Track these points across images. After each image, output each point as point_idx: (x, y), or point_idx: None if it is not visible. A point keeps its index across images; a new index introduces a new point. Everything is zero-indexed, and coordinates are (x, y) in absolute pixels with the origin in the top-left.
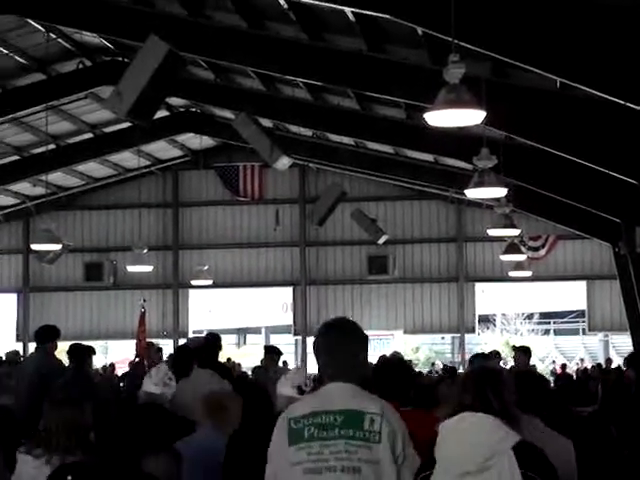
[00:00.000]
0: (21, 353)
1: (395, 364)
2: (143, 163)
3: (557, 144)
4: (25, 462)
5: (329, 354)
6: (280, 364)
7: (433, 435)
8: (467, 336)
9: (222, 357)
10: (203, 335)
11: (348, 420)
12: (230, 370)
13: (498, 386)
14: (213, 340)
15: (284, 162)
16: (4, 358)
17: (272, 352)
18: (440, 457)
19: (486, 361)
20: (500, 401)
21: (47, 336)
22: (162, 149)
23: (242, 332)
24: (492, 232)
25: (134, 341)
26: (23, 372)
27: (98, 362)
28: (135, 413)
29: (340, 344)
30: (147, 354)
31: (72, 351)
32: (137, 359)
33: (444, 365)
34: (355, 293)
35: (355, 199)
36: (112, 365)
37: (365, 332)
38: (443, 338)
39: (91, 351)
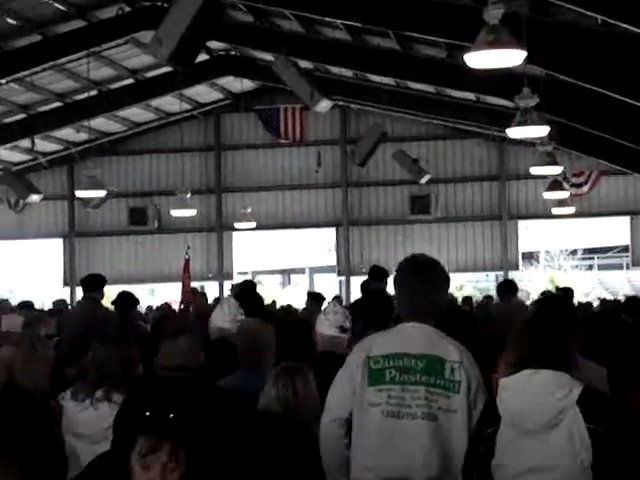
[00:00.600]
0: (68, 299)
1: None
2: (185, 107)
3: (598, 81)
4: (69, 408)
5: (410, 293)
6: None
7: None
8: (510, 273)
9: (267, 299)
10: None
11: (429, 366)
12: (272, 314)
13: (555, 332)
14: (251, 286)
15: (324, 105)
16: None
17: (315, 298)
18: (505, 415)
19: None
20: (560, 348)
21: (93, 285)
22: (203, 93)
23: (286, 273)
24: (535, 170)
25: (179, 284)
26: (69, 321)
27: (145, 304)
28: (210, 348)
29: (424, 284)
30: (192, 300)
31: (117, 301)
32: (182, 306)
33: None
34: (397, 233)
35: (397, 139)
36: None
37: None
38: (487, 276)
39: (136, 301)
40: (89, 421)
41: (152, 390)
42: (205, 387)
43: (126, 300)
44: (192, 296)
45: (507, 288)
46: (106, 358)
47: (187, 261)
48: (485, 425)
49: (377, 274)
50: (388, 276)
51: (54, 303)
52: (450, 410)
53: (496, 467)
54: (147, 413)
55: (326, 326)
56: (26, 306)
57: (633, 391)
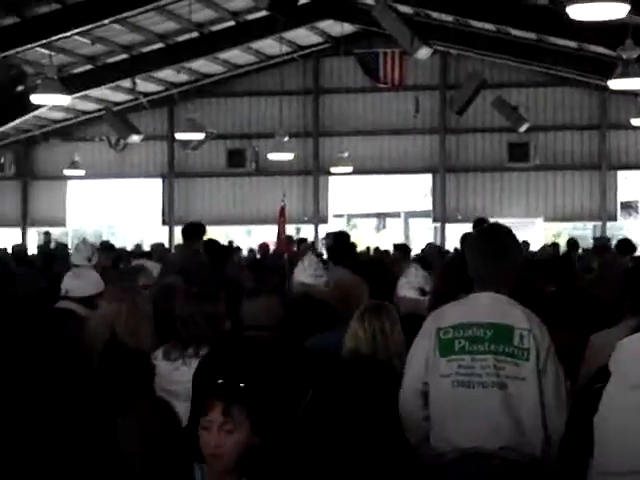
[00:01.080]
0: (166, 238)
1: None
2: (285, 50)
3: None
4: (162, 367)
5: (481, 262)
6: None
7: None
8: (609, 224)
9: (362, 244)
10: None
11: (498, 335)
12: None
13: None
14: (345, 238)
15: (424, 52)
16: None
17: (401, 249)
18: (616, 372)
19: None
20: None
21: (192, 233)
22: (303, 36)
23: (381, 217)
24: (636, 122)
25: (275, 227)
26: (167, 268)
27: (243, 245)
28: (293, 304)
29: (494, 253)
30: (287, 248)
31: (210, 249)
32: (277, 253)
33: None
34: (495, 180)
35: (496, 86)
36: (266, 244)
37: (506, 221)
38: (584, 225)
39: (226, 251)
40: (181, 379)
41: (227, 353)
42: (285, 348)
43: (216, 250)
44: (287, 244)
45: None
46: (192, 315)
47: (283, 208)
48: (595, 380)
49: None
50: None
51: (152, 247)
52: (519, 378)
53: (599, 422)
54: (219, 381)
55: (406, 288)
56: (108, 248)
57: None
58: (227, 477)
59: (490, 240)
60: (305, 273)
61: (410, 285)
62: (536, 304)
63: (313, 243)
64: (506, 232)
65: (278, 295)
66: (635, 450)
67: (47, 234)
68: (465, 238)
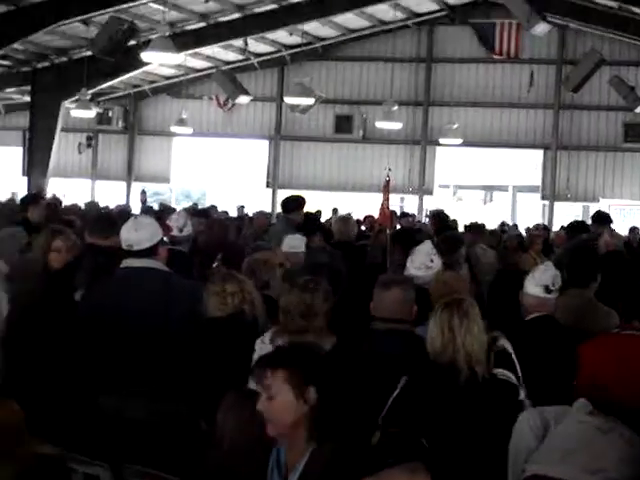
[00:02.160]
0: (269, 202)
1: None
2: (399, 16)
3: None
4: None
5: None
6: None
7: None
8: None
9: (467, 216)
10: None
11: None
12: None
13: None
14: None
15: (542, 29)
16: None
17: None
18: None
19: None
20: None
21: (291, 207)
22: (419, 3)
23: (488, 189)
24: None
25: (379, 195)
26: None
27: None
28: None
29: None
30: (390, 223)
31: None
32: (379, 228)
33: None
34: (608, 160)
35: (615, 63)
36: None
37: (618, 202)
38: None
39: (318, 227)
40: None
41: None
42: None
43: (312, 223)
44: (390, 219)
45: None
46: (289, 304)
47: (387, 182)
48: None
49: (601, 218)
50: (612, 222)
51: (255, 215)
52: None
53: None
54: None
55: (532, 284)
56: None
57: None
58: (295, 445)
59: None
60: (412, 264)
61: (536, 282)
62: None
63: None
64: None
65: (412, 287)
66: None
67: (143, 192)
68: (575, 229)
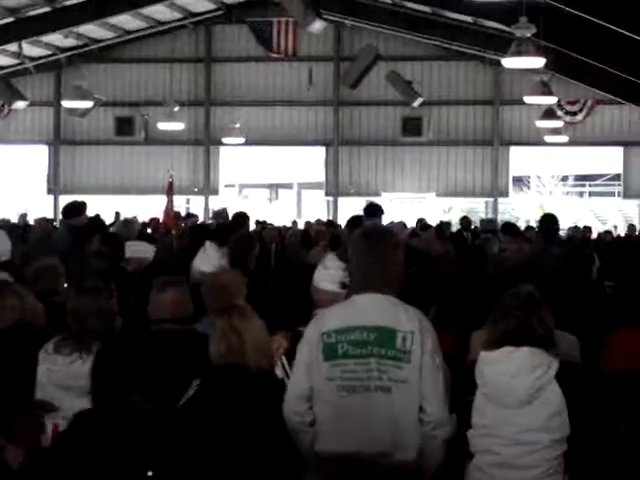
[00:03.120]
0: (51, 207)
1: None
2: (176, 16)
3: (597, 12)
4: (53, 362)
5: (365, 263)
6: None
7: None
8: (500, 199)
9: (253, 215)
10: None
11: (381, 338)
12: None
13: (542, 313)
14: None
15: (318, 26)
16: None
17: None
18: (483, 388)
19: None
20: (544, 328)
21: (71, 212)
22: (195, 2)
23: (274, 188)
24: (529, 100)
25: (164, 197)
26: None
27: (134, 214)
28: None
29: (376, 253)
30: (174, 225)
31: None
32: (165, 229)
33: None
34: (388, 155)
35: (391, 58)
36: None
37: (398, 196)
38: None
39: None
40: (76, 374)
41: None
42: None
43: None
44: (175, 220)
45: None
46: (85, 309)
47: (170, 184)
48: (465, 391)
49: (372, 211)
50: (383, 213)
51: (36, 221)
52: (402, 380)
53: (472, 435)
54: None
55: (326, 280)
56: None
57: None
58: None
59: (372, 241)
60: (202, 262)
61: (330, 277)
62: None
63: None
64: (382, 232)
65: (187, 287)
66: None
67: None
68: (356, 222)
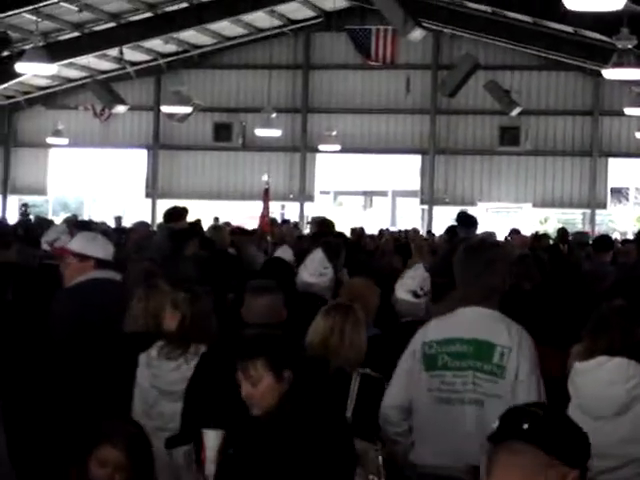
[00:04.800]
0: (149, 210)
1: None
2: (275, 23)
3: None
4: (158, 367)
5: (468, 277)
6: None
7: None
8: (598, 211)
9: (348, 222)
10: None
11: (479, 351)
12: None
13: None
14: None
15: (417, 34)
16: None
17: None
18: (575, 398)
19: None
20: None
21: (173, 217)
22: (295, 10)
23: (368, 195)
24: (629, 111)
25: (259, 203)
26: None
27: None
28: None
29: (481, 268)
30: (270, 230)
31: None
32: (260, 234)
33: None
34: (485, 164)
35: (489, 67)
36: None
37: (494, 205)
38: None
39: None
40: (181, 378)
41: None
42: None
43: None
44: (270, 226)
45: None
46: (193, 313)
47: (266, 190)
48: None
49: (466, 221)
50: (477, 223)
51: (135, 225)
52: (494, 395)
53: None
54: None
55: (402, 289)
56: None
57: None
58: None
59: (476, 255)
60: (307, 272)
61: (405, 287)
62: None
63: (297, 224)
64: (493, 246)
65: (282, 293)
66: None
67: (25, 205)
68: (452, 232)
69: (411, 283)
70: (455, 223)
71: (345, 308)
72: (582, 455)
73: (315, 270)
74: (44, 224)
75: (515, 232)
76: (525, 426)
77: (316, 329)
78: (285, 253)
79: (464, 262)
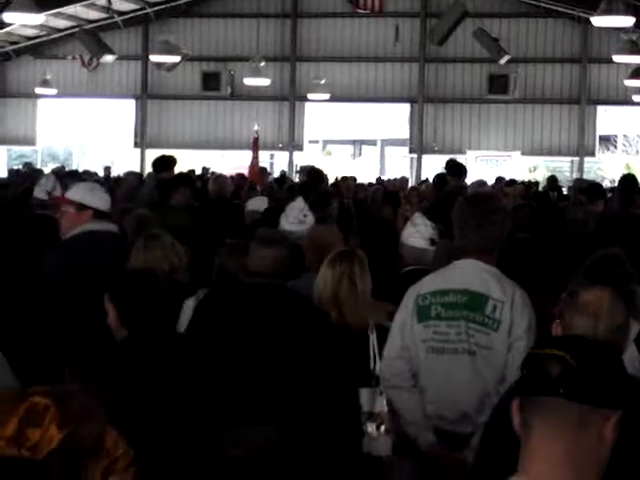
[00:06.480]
0: (138, 161)
1: None
2: None
3: None
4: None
5: (466, 230)
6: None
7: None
8: (586, 159)
9: (336, 172)
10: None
11: (472, 302)
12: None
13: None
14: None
15: None
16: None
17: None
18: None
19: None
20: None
21: (162, 166)
22: None
23: (357, 144)
24: (617, 58)
25: (248, 152)
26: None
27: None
28: None
29: (479, 221)
30: (260, 180)
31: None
32: (249, 185)
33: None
34: (473, 112)
35: (478, 15)
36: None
37: (483, 154)
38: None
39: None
40: None
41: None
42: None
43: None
44: (260, 175)
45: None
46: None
47: (256, 140)
48: None
49: (456, 170)
50: (466, 172)
51: (124, 175)
52: (485, 347)
53: None
54: None
55: (415, 237)
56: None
57: None
58: None
59: (474, 208)
60: (286, 220)
61: (419, 235)
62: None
63: (284, 174)
64: (491, 198)
65: (290, 245)
66: None
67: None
68: (441, 181)
69: (425, 230)
70: (444, 171)
71: (350, 255)
72: (622, 396)
73: (295, 218)
74: (35, 174)
75: (511, 182)
76: (558, 379)
77: (324, 279)
78: (260, 202)
79: (464, 213)
